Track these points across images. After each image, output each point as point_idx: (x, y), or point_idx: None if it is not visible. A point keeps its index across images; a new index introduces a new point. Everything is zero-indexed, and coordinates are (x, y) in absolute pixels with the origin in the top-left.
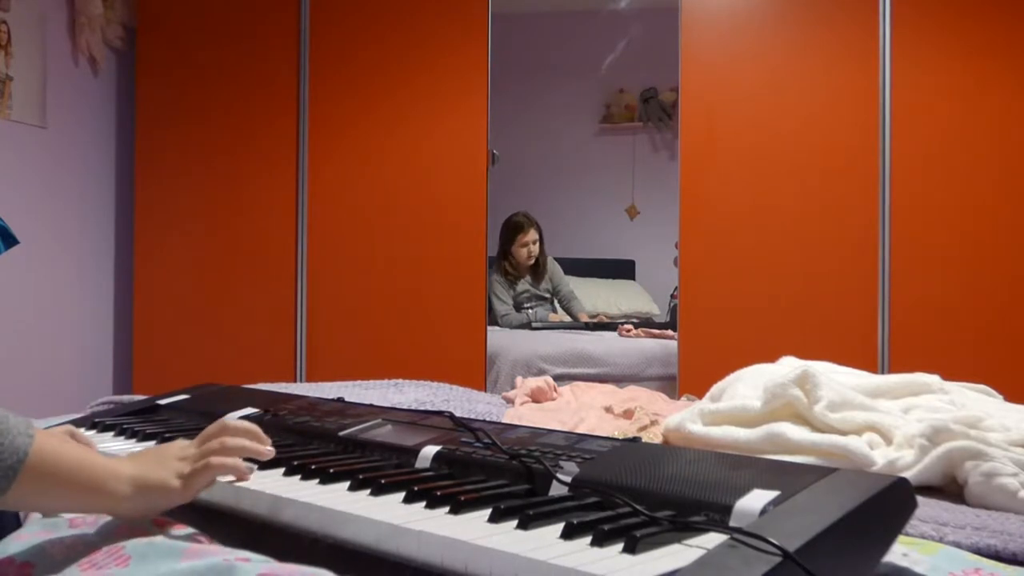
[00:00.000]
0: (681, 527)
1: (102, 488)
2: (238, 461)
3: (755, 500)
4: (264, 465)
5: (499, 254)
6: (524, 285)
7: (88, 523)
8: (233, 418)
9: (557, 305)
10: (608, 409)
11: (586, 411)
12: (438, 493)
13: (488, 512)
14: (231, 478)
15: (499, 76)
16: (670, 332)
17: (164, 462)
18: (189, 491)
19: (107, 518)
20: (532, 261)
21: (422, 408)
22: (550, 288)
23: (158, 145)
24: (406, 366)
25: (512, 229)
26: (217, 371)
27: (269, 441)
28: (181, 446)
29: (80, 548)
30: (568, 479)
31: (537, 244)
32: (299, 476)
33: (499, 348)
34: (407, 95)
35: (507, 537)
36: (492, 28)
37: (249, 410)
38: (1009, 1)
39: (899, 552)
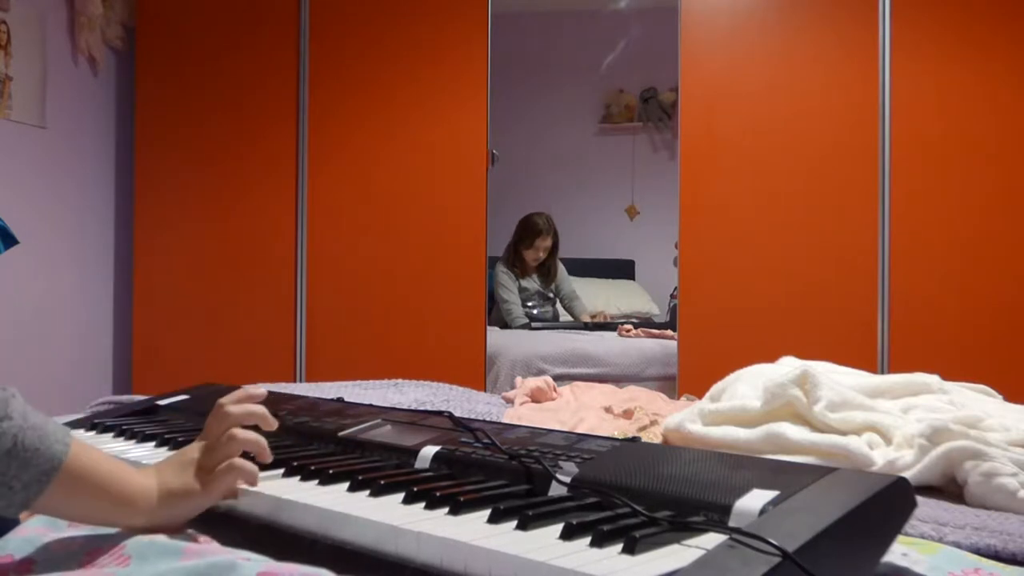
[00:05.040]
0: (680, 527)
1: (132, 504)
2: (253, 469)
3: (754, 500)
4: (264, 466)
5: (509, 249)
6: (530, 283)
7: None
8: (231, 400)
9: (559, 305)
10: (608, 409)
11: (586, 411)
12: (437, 494)
13: (487, 513)
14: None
15: (499, 76)
16: (670, 332)
17: (185, 468)
18: (214, 492)
19: None
20: (536, 264)
21: (422, 408)
22: (554, 288)
23: (158, 145)
24: (406, 366)
25: (528, 229)
26: (217, 371)
27: (274, 423)
28: (198, 448)
29: (81, 546)
30: (567, 479)
31: (548, 251)
32: (299, 477)
33: (499, 348)
34: (407, 95)
35: (506, 538)
36: (492, 28)
37: None
38: (1009, 1)
39: (899, 552)
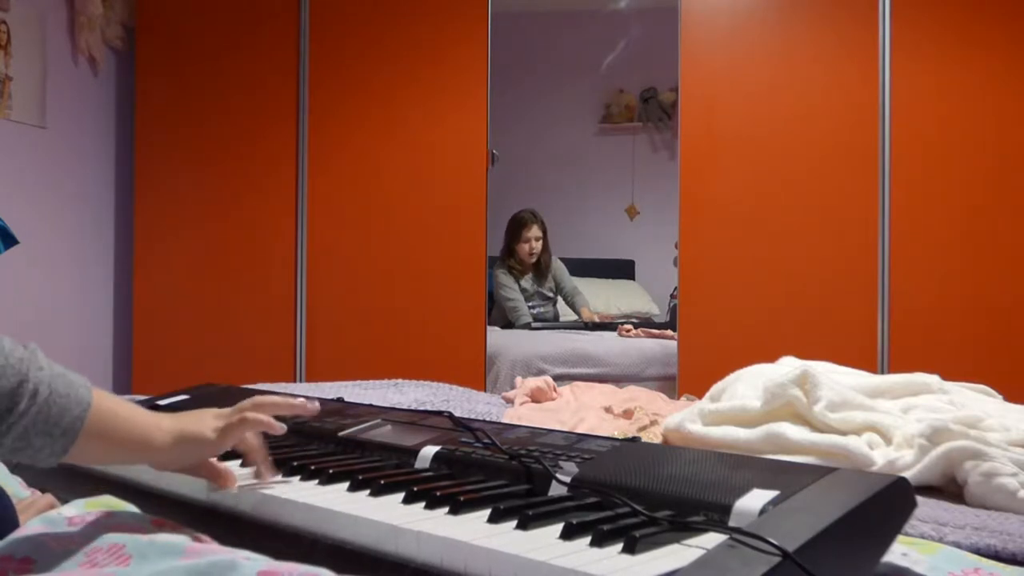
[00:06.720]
0: (680, 527)
1: (148, 440)
2: (271, 418)
3: (754, 500)
4: None
5: (504, 250)
6: (527, 283)
7: (87, 521)
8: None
9: (561, 303)
10: (608, 409)
11: (586, 411)
12: (437, 493)
13: (487, 512)
14: (254, 480)
15: (499, 76)
16: (670, 332)
17: (201, 418)
18: (223, 441)
19: (107, 516)
20: (534, 259)
21: (422, 408)
22: (553, 287)
23: (158, 145)
24: (406, 366)
25: (516, 224)
26: (217, 371)
27: (306, 405)
28: (217, 410)
29: (80, 545)
30: (567, 479)
31: (540, 241)
32: (299, 477)
33: (499, 348)
34: (407, 95)
35: (506, 537)
36: (492, 28)
37: None
38: (1009, 1)
39: (899, 552)
